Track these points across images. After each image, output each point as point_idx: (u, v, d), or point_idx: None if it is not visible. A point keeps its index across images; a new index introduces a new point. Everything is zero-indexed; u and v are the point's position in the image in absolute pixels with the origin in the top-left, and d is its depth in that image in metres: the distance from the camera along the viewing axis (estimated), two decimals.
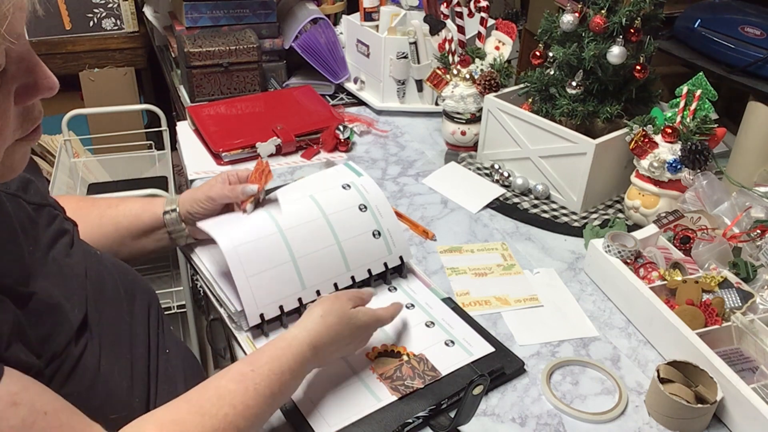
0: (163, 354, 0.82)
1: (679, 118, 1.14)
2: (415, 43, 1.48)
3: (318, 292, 0.93)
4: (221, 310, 0.96)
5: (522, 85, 1.32)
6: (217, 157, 1.35)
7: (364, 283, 0.98)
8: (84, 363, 0.66)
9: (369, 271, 0.97)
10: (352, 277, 0.95)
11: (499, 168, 1.29)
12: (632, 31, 1.14)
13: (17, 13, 0.52)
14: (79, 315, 0.69)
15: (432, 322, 0.94)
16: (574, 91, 1.20)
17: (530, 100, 1.30)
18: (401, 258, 1.01)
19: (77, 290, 0.72)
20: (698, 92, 1.13)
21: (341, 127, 1.40)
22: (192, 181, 1.29)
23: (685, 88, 1.14)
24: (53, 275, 0.70)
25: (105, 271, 0.80)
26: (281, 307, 0.90)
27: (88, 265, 0.77)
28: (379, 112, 1.59)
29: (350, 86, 1.67)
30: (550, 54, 1.25)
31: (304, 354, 0.75)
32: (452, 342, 0.90)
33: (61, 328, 0.65)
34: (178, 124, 1.50)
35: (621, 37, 1.14)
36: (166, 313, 1.83)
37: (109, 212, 0.96)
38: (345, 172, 1.04)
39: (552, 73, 1.25)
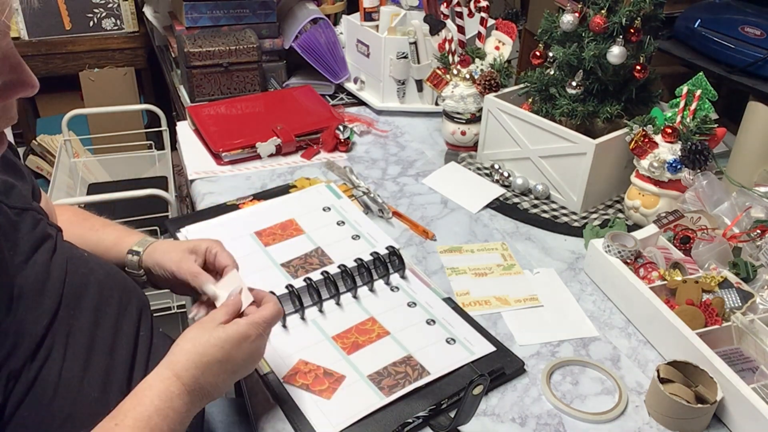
0: (153, 360, 0.79)
1: (679, 118, 1.14)
2: (415, 43, 1.48)
3: (307, 279, 0.95)
4: None
5: (522, 85, 1.32)
6: (217, 157, 1.35)
7: (365, 283, 0.99)
8: (43, 378, 0.64)
9: (360, 260, 0.99)
10: (342, 267, 0.98)
11: (499, 168, 1.29)
12: (632, 31, 1.14)
13: (12, 6, 0.53)
14: (42, 327, 0.67)
15: (433, 320, 0.94)
16: (574, 91, 1.20)
17: (530, 100, 1.30)
18: (399, 256, 1.01)
19: (51, 296, 0.70)
20: (698, 92, 1.13)
21: (341, 127, 1.40)
22: (192, 180, 1.29)
23: (685, 88, 1.14)
24: (30, 281, 0.68)
25: (91, 274, 0.78)
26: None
27: (71, 268, 0.75)
28: (379, 112, 1.59)
29: (350, 86, 1.67)
30: (550, 54, 1.25)
31: (168, 389, 0.67)
32: (453, 340, 0.91)
33: (20, 347, 0.63)
34: (178, 124, 1.50)
35: (621, 37, 1.14)
36: (166, 313, 1.83)
37: (88, 236, 0.92)
38: (325, 194, 1.16)
39: (552, 73, 1.25)
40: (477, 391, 0.75)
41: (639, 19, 1.14)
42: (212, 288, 0.81)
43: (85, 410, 0.67)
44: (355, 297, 0.98)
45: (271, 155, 1.37)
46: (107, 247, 0.91)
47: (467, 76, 1.37)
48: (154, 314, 0.87)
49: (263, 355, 0.77)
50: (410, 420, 0.79)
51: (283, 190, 1.24)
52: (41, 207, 0.81)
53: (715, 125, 1.12)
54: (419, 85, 1.55)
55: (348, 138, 1.40)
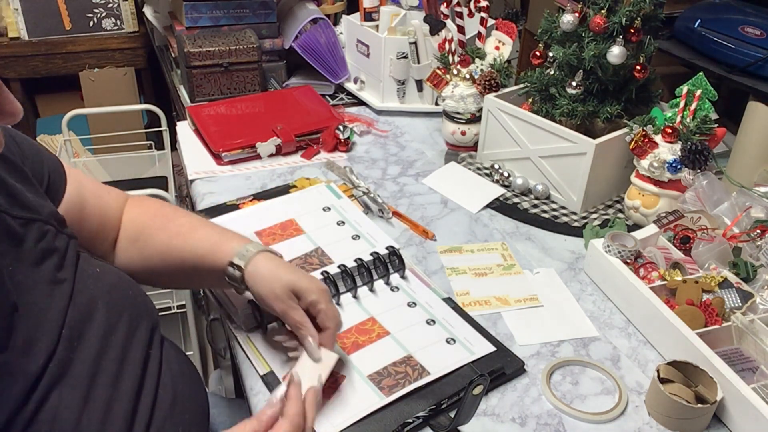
0: (162, 384, 0.77)
1: (679, 118, 1.14)
2: (415, 43, 1.48)
3: None
4: (221, 310, 0.96)
5: (522, 85, 1.32)
6: (217, 157, 1.35)
7: (365, 283, 0.99)
8: (38, 420, 0.61)
9: (360, 260, 0.99)
10: (342, 267, 0.98)
11: (499, 168, 1.29)
12: (632, 31, 1.14)
13: None
14: (38, 366, 0.63)
15: (433, 320, 0.94)
16: (574, 91, 1.20)
17: (530, 100, 1.30)
18: (399, 256, 1.01)
19: (52, 326, 0.66)
20: (698, 92, 1.13)
21: (341, 127, 1.40)
22: (192, 180, 1.29)
23: (685, 88, 1.14)
24: (29, 305, 0.64)
25: (100, 296, 0.73)
26: None
27: (78, 289, 0.71)
28: (379, 112, 1.59)
29: (350, 86, 1.67)
30: (550, 54, 1.25)
31: None
32: (453, 340, 0.91)
33: (11, 391, 0.60)
34: (178, 124, 1.50)
35: (621, 37, 1.14)
36: (165, 313, 1.83)
37: (175, 242, 0.85)
38: (326, 194, 1.16)
39: (552, 73, 1.25)
40: (477, 391, 0.75)
41: (639, 19, 1.14)
42: (312, 344, 0.77)
43: None
44: (355, 297, 0.98)
45: (271, 155, 1.37)
46: (201, 256, 0.84)
47: (467, 76, 1.37)
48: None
49: None
50: (410, 420, 0.79)
51: (283, 190, 1.24)
52: (55, 212, 0.76)
53: (715, 125, 1.12)
54: (419, 85, 1.55)
55: (348, 138, 1.40)
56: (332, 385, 0.83)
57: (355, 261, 0.99)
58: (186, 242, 0.85)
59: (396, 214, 1.20)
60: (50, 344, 0.65)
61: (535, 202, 1.25)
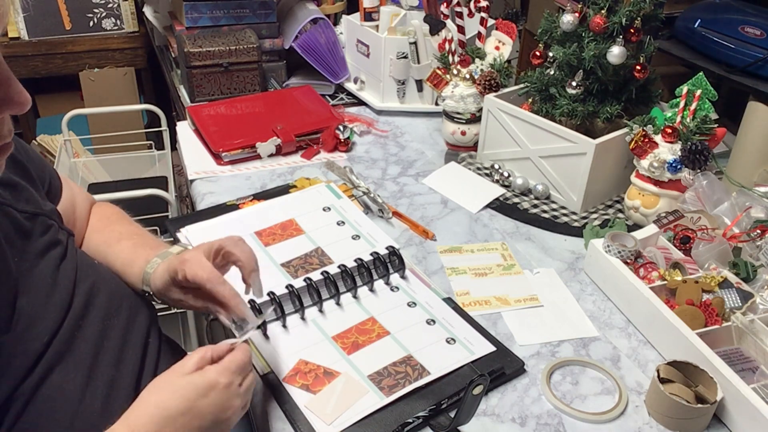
0: (161, 370, 0.77)
1: (679, 118, 1.14)
2: (415, 43, 1.48)
3: (307, 279, 0.95)
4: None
5: (522, 85, 1.32)
6: (217, 157, 1.35)
7: (365, 283, 0.99)
8: (42, 393, 0.63)
9: (360, 260, 0.99)
10: (342, 267, 0.98)
11: (499, 168, 1.29)
12: (632, 31, 1.14)
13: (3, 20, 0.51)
14: (42, 344, 0.65)
15: (433, 320, 0.94)
16: (574, 91, 1.20)
17: (530, 100, 1.30)
18: (399, 256, 1.01)
19: (56, 308, 0.68)
20: (698, 92, 1.13)
21: (341, 127, 1.40)
22: (192, 180, 1.29)
23: (685, 88, 1.14)
24: (34, 290, 0.67)
25: (101, 283, 0.76)
26: (275, 298, 0.91)
27: (81, 277, 0.74)
28: (379, 112, 1.59)
29: (350, 86, 1.67)
30: (550, 54, 1.25)
31: None
32: (453, 340, 0.91)
33: (15, 364, 0.62)
34: (178, 124, 1.50)
35: (621, 37, 1.14)
36: (165, 313, 1.83)
37: (101, 250, 0.88)
38: (326, 194, 1.17)
39: (552, 73, 1.25)
40: (477, 391, 0.75)
41: (639, 19, 1.14)
42: (248, 311, 0.76)
43: (86, 421, 0.66)
44: (355, 297, 0.98)
45: (271, 155, 1.37)
46: (117, 271, 0.85)
47: (467, 76, 1.37)
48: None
49: (238, 409, 0.69)
50: (410, 420, 0.79)
51: (283, 190, 1.24)
52: (56, 210, 0.79)
53: (715, 125, 1.12)
54: (419, 85, 1.55)
55: (348, 138, 1.40)
56: (328, 378, 0.83)
57: (355, 261, 0.99)
58: (109, 251, 0.87)
59: (396, 214, 1.20)
60: (54, 325, 0.67)
61: (535, 202, 1.25)
